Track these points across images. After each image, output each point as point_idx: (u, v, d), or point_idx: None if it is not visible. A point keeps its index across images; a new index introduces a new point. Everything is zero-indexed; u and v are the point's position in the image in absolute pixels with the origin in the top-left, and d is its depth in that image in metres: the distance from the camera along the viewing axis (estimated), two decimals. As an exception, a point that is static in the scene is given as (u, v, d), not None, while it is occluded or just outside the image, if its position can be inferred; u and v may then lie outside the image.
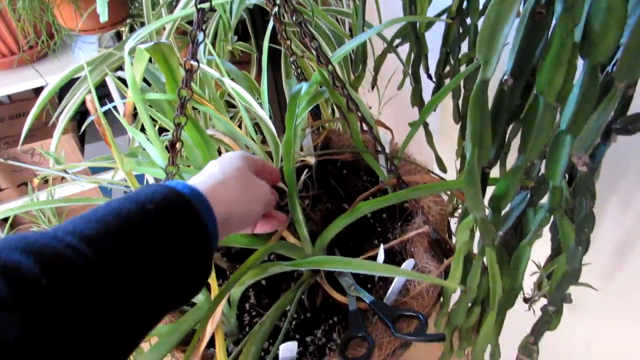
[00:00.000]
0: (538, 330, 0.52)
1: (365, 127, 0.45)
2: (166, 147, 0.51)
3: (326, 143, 0.70)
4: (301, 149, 0.69)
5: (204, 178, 0.41)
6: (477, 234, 0.44)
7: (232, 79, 0.70)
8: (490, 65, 0.32)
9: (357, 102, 0.54)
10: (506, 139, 0.40)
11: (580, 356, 0.85)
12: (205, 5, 0.42)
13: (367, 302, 0.48)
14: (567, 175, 0.45)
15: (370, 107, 1.00)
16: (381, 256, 0.51)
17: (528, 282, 0.56)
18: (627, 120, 0.42)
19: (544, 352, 0.55)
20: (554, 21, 0.32)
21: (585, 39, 0.32)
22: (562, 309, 0.51)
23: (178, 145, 0.46)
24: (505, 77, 0.35)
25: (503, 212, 0.46)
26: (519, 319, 0.58)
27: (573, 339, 0.83)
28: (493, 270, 0.43)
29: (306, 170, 0.60)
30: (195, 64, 0.44)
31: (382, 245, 0.52)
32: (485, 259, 0.45)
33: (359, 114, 0.43)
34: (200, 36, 0.44)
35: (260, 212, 0.44)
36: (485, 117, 0.34)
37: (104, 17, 0.42)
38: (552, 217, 0.44)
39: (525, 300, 0.58)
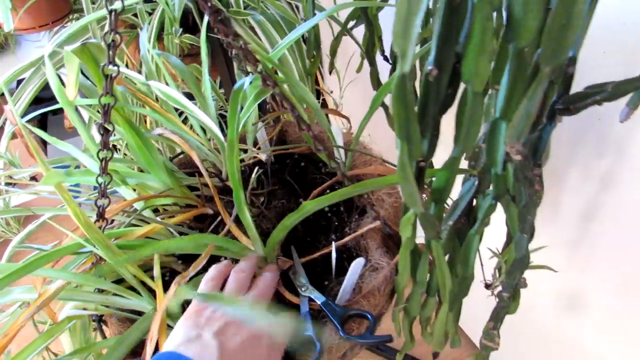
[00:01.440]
0: (497, 316, 0.51)
1: (303, 127, 0.42)
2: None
3: (282, 136, 0.68)
4: (256, 143, 0.67)
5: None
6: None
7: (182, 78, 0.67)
8: (408, 57, 0.29)
9: (303, 94, 0.52)
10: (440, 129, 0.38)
11: (550, 325, 0.86)
12: (117, 7, 0.39)
13: (319, 303, 0.47)
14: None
15: (331, 91, 0.97)
16: (334, 255, 0.50)
17: (489, 268, 0.55)
18: (569, 101, 0.40)
19: (514, 321, 0.53)
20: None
21: (508, 23, 0.30)
22: (519, 293, 0.50)
23: (107, 154, 0.44)
24: (430, 67, 0.33)
25: (453, 201, 0.45)
26: (487, 304, 0.57)
27: (543, 305, 0.83)
28: (440, 264, 0.42)
29: (257, 168, 0.58)
30: (114, 69, 0.41)
31: (333, 244, 0.50)
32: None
33: (295, 114, 0.41)
34: (118, 38, 0.41)
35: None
36: (410, 112, 0.32)
37: (8, 25, 0.39)
38: (498, 204, 0.43)
39: (487, 286, 0.57)
